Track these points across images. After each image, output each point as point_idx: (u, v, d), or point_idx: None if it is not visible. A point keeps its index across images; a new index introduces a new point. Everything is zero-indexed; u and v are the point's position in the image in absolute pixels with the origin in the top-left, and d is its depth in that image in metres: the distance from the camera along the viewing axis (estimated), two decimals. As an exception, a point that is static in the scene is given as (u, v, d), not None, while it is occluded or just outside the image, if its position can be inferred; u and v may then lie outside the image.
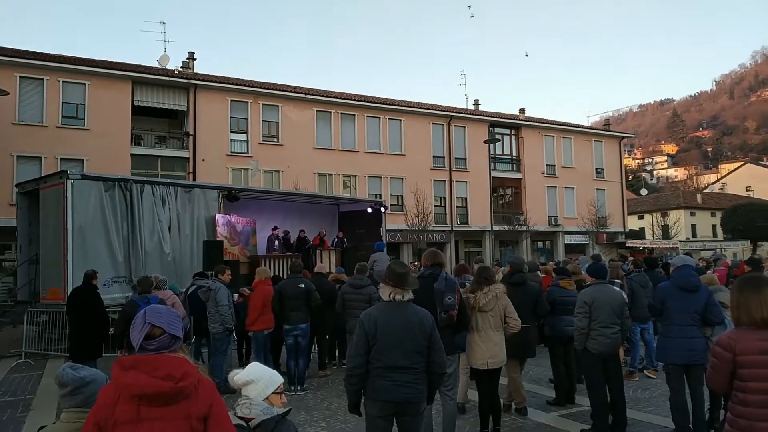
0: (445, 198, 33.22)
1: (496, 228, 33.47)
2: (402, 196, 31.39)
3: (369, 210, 18.51)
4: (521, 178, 36.06)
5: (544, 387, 8.26)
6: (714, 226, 52.51)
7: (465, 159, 33.94)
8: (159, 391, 2.13)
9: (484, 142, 30.35)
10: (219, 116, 27.27)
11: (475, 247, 34.78)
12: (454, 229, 33.08)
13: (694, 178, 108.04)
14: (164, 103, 26.57)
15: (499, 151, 35.68)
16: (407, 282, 4.11)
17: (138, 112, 26.04)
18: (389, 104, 32.33)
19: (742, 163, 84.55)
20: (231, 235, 14.69)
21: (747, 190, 64.07)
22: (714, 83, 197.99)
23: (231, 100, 27.78)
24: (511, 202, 36.72)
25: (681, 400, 5.81)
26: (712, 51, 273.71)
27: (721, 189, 70.09)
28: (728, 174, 78.98)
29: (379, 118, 31.60)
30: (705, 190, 71.29)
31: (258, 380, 2.75)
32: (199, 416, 2.21)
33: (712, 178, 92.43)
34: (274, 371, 2.86)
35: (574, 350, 6.59)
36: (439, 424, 5.58)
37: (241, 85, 28.59)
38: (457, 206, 33.63)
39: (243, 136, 28.06)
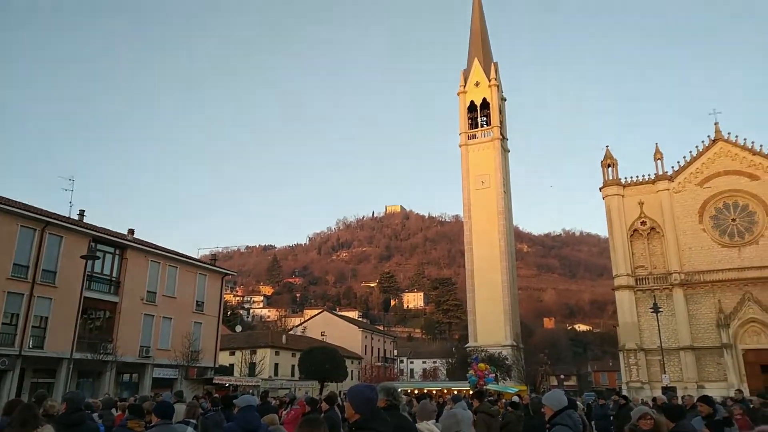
0: (18, 315, 28.00)
1: (77, 356, 29.59)
2: (-45, 308, 25.13)
3: None
4: (118, 302, 33.58)
5: None
6: (293, 366, 58.18)
7: (55, 272, 29.91)
8: None
9: (82, 257, 27.57)
10: None
11: (47, 377, 29.60)
12: (23, 353, 27.75)
13: (283, 319, 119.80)
14: None
15: (98, 269, 32.84)
16: None
17: None
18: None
19: (321, 310, 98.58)
20: None
21: (322, 335, 74.14)
22: (308, 238, 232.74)
23: None
24: (101, 327, 33.42)
25: None
26: (309, 211, 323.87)
27: (303, 332, 79.34)
28: (310, 319, 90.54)
29: (-54, 207, 25.63)
30: (290, 332, 79.49)
31: None
32: None
33: (297, 321, 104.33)
34: None
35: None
36: None
37: None
38: (33, 326, 28.68)
39: None
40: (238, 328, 70.74)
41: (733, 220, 51.02)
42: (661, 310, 43.94)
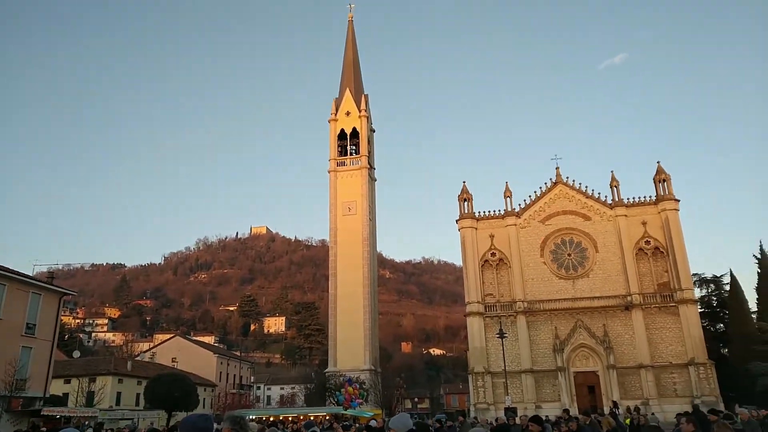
0: None
1: None
2: None
3: None
4: (-76, 324, 28.93)
5: None
6: (138, 395, 53.82)
7: None
8: None
9: None
10: None
11: None
12: None
13: (130, 344, 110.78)
14: None
15: None
16: None
17: None
18: None
19: (173, 335, 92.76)
20: None
21: (173, 361, 69.64)
22: (163, 258, 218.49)
23: None
24: None
25: None
26: (166, 230, 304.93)
27: (151, 358, 73.93)
28: (160, 344, 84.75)
29: None
30: (137, 358, 73.67)
31: None
32: None
33: (146, 346, 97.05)
34: None
35: None
36: None
37: None
38: None
39: None
40: (76, 354, 63.94)
41: (569, 255, 56.92)
42: (506, 335, 47.51)
